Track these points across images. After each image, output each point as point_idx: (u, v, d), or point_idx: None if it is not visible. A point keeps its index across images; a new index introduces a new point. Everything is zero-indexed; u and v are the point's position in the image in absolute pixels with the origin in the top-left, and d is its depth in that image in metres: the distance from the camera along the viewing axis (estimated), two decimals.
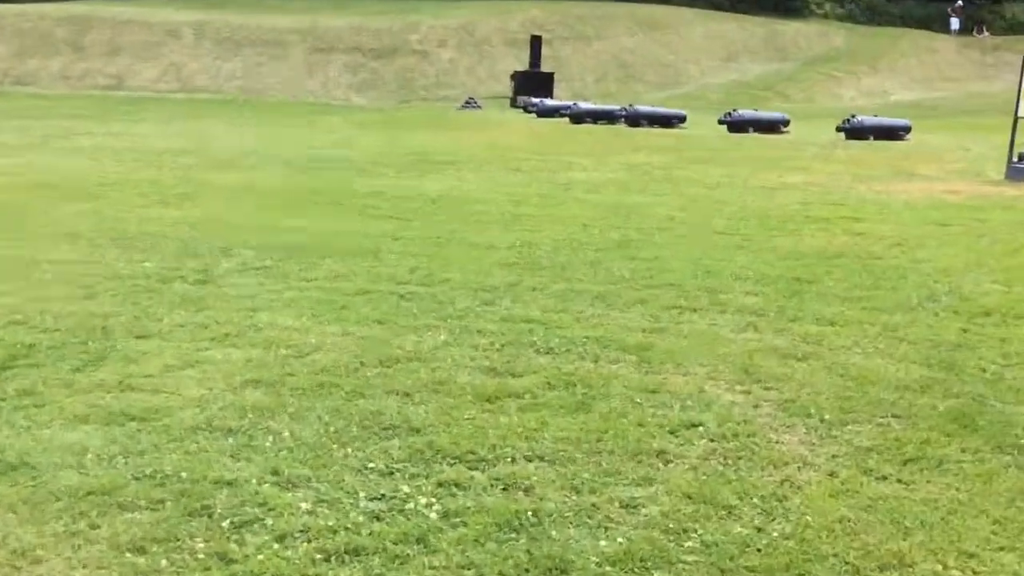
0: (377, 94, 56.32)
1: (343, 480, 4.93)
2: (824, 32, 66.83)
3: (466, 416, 5.80)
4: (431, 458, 5.20)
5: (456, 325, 7.84)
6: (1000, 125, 30.37)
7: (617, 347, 7.29)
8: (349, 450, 5.28)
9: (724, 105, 50.79)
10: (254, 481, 4.89)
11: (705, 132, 34.07)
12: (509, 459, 5.21)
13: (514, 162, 22.47)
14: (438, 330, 7.68)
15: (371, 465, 5.09)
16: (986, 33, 67.40)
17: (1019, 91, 20.68)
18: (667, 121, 38.51)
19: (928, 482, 5.07)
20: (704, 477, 5.05)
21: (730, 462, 5.26)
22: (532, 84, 58.12)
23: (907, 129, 33.64)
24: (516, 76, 59.20)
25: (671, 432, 5.63)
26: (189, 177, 17.99)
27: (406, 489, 4.83)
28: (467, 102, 56.12)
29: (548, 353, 7.14)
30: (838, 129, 32.65)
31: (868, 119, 33.48)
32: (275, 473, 4.98)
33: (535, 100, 49.79)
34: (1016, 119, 20.76)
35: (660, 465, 5.20)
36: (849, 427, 5.80)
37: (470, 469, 5.09)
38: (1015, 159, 21.56)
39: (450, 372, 6.63)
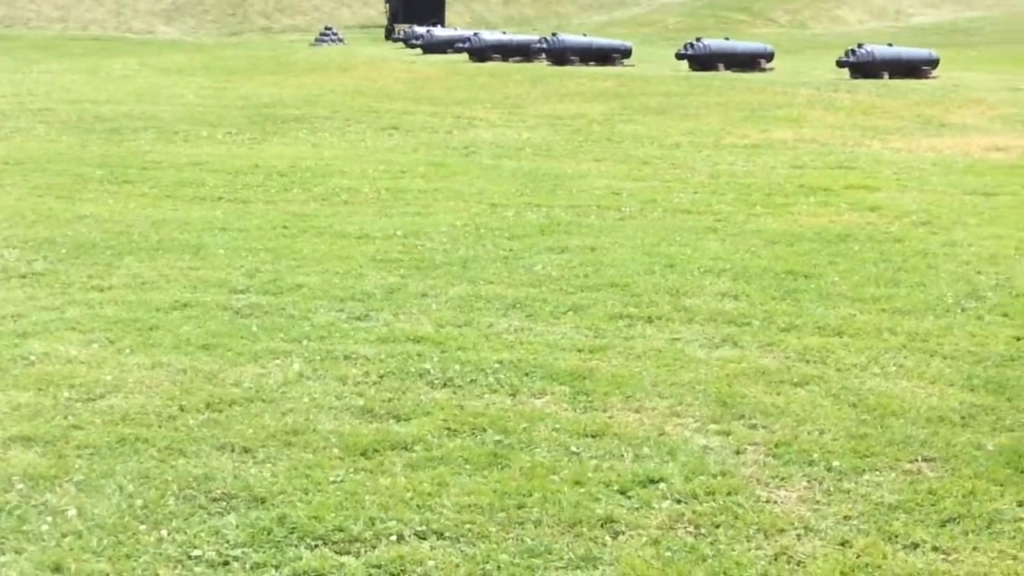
0: (195, 24, 55.74)
1: None
2: None
3: (332, 479, 5.75)
4: (283, 540, 5.14)
5: (315, 349, 7.77)
6: None
7: (543, 375, 7.30)
8: (164, 532, 5.19)
9: (685, 34, 51.34)
10: None
11: (659, 70, 34.39)
12: (394, 537, 5.17)
13: (392, 117, 22.40)
14: (289, 357, 7.61)
15: (196, 553, 5.02)
16: None
17: None
18: (606, 56, 38.81)
19: (975, 549, 5.16)
20: (668, 554, 5.07)
21: (704, 531, 5.29)
22: (416, 8, 58.03)
23: (933, 63, 34.39)
24: None
25: (621, 492, 5.64)
26: None
27: None
28: (323, 34, 55.86)
29: (446, 386, 7.11)
30: (840, 64, 33.25)
31: (881, 50, 34.14)
32: (57, 570, 4.88)
33: (420, 30, 49.76)
34: None
35: (607, 539, 5.21)
36: (866, 477, 5.88)
37: (339, 553, 5.04)
38: None
39: (308, 416, 6.56)
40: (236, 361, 7.52)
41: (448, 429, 6.40)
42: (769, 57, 37.33)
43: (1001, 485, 5.75)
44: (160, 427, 6.37)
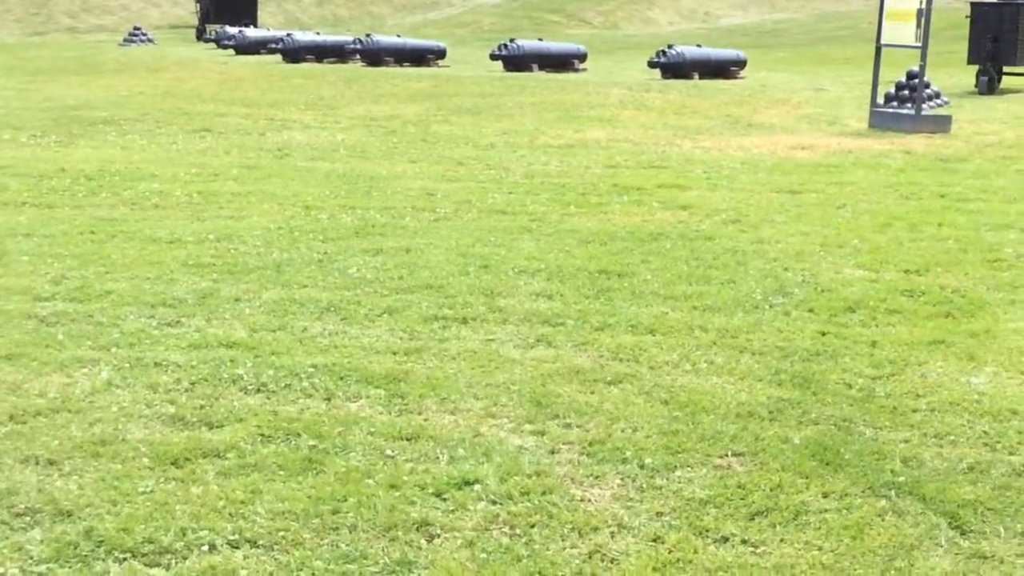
0: None
1: None
2: None
3: (141, 489, 5.64)
4: (90, 553, 5.03)
5: (124, 357, 7.63)
6: (862, 56, 32.21)
7: (358, 378, 7.27)
8: None
9: (500, 35, 51.70)
10: None
11: (474, 71, 34.56)
12: (206, 547, 5.11)
13: (204, 119, 22.11)
14: (97, 365, 7.45)
15: None
16: None
17: (880, 11, 21.95)
18: (420, 57, 38.87)
19: (782, 541, 5.28)
20: (484, 555, 5.09)
21: (519, 532, 5.32)
22: (227, 8, 57.50)
23: (741, 63, 35.21)
24: None
25: (437, 495, 5.65)
26: None
27: None
28: (132, 34, 54.88)
29: (260, 391, 7.05)
30: (651, 64, 33.84)
31: (690, 51, 34.84)
32: None
33: (232, 31, 49.25)
34: (879, 48, 22.04)
35: (422, 542, 5.21)
36: (677, 473, 5.98)
37: (149, 566, 4.95)
38: (879, 100, 22.95)
39: (116, 426, 6.44)
40: (41, 371, 7.34)
41: (262, 435, 6.33)
42: (582, 58, 37.83)
43: (807, 477, 5.90)
44: None
